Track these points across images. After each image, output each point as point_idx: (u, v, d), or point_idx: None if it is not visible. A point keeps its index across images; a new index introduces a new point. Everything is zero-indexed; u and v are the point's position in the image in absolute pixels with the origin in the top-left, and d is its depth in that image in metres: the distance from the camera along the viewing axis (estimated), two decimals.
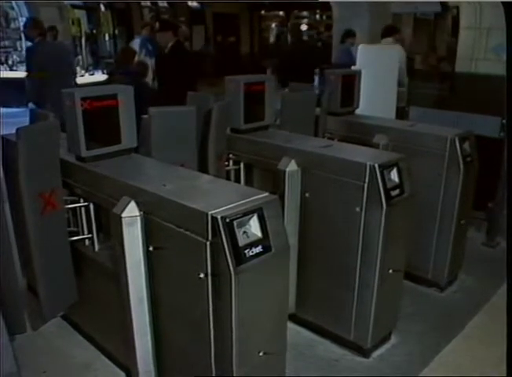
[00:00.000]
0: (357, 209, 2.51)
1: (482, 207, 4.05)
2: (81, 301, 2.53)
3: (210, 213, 1.79)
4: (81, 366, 2.67)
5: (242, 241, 1.82)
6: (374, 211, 2.47)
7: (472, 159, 3.18)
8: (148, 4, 15.26)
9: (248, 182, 3.10)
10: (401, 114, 4.65)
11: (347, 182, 2.53)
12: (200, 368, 2.06)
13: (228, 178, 2.97)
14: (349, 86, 3.61)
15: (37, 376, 2.59)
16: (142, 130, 2.57)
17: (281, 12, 18.27)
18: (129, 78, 4.58)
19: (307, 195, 2.72)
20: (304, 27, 17.73)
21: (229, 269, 1.77)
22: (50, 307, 2.33)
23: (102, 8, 13.30)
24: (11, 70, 10.43)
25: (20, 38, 10.05)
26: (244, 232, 1.84)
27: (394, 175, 2.53)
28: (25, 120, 2.77)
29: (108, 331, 2.63)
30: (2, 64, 10.61)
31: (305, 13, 18.02)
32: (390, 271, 2.60)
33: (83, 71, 11.28)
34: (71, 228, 2.64)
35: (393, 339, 2.92)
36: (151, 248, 2.09)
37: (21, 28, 9.57)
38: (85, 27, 12.60)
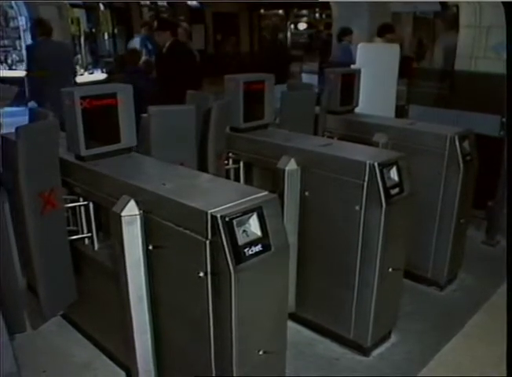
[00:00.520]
0: (357, 207, 2.51)
1: (482, 206, 4.05)
2: (81, 300, 2.53)
3: (209, 212, 1.79)
4: (81, 365, 2.68)
5: (241, 240, 1.82)
6: (373, 210, 2.47)
7: (472, 157, 3.18)
8: (148, 3, 15.25)
9: (248, 181, 3.10)
10: (401, 112, 4.65)
11: (347, 181, 2.53)
12: (200, 367, 2.05)
13: (227, 177, 2.97)
14: (349, 84, 3.61)
15: (37, 375, 2.59)
16: (142, 129, 2.57)
17: (280, 11, 18.26)
18: (137, 76, 4.83)
19: (306, 193, 2.72)
20: (303, 26, 17.73)
21: (229, 268, 1.77)
22: (50, 306, 2.33)
23: (101, 7, 13.29)
24: (10, 69, 10.42)
25: (20, 38, 10.04)
26: (244, 230, 1.84)
27: (394, 174, 2.53)
28: (24, 119, 2.77)
29: (108, 330, 2.63)
30: (2, 63, 10.61)
31: (304, 12, 18.02)
32: (390, 270, 2.60)
33: (82, 70, 11.27)
34: (71, 228, 2.64)
35: (393, 338, 2.92)
36: (150, 247, 2.09)
37: (21, 27, 9.56)
38: (84, 26, 12.59)
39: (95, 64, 12.29)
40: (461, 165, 3.09)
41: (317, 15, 17.95)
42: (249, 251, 1.83)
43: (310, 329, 2.94)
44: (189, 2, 16.20)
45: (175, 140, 2.52)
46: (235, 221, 1.80)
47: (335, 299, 2.75)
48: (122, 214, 2.05)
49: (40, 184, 2.16)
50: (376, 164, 2.43)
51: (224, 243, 1.78)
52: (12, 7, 10.17)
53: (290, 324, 2.61)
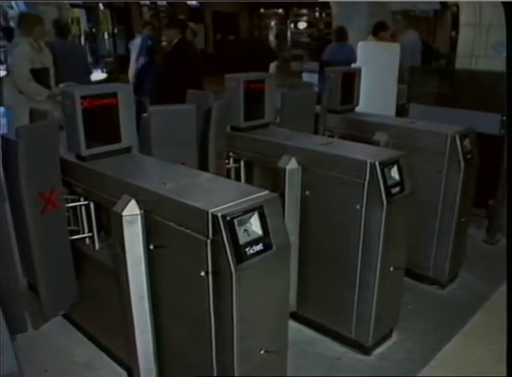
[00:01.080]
0: (358, 206, 2.50)
1: (483, 205, 4.05)
2: (82, 300, 2.53)
3: (210, 211, 1.79)
4: (82, 365, 2.68)
5: (242, 239, 1.82)
6: (374, 209, 2.46)
7: (472, 156, 3.18)
8: (147, 3, 15.25)
9: (248, 180, 3.10)
10: (401, 111, 4.65)
11: (347, 180, 2.53)
12: (201, 366, 2.05)
13: (228, 176, 2.97)
14: (349, 83, 3.61)
15: (38, 375, 2.59)
16: (142, 129, 2.57)
17: (280, 10, 18.26)
18: None
19: (307, 193, 2.72)
20: (303, 25, 17.72)
21: (230, 267, 1.77)
22: (51, 306, 2.33)
23: (101, 7, 13.29)
24: None
25: None
26: (245, 230, 1.84)
27: (395, 173, 2.53)
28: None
29: (109, 330, 2.63)
30: (2, 63, 10.59)
31: (304, 11, 18.02)
32: (391, 268, 2.60)
33: None
34: (72, 227, 2.64)
35: (394, 337, 2.92)
36: (151, 247, 2.09)
37: None
38: (84, 26, 12.59)
39: (95, 64, 12.29)
40: (462, 163, 3.09)
41: (317, 14, 17.95)
42: (250, 250, 1.83)
43: (311, 328, 2.94)
44: (189, 2, 16.21)
45: (176, 140, 2.52)
46: (236, 221, 1.80)
47: (336, 298, 2.75)
48: (123, 213, 2.05)
49: (40, 184, 2.16)
50: (377, 163, 2.43)
51: (226, 242, 1.77)
52: (12, 7, 10.16)
53: (292, 323, 2.61)
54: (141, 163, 2.48)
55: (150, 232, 2.09)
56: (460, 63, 5.48)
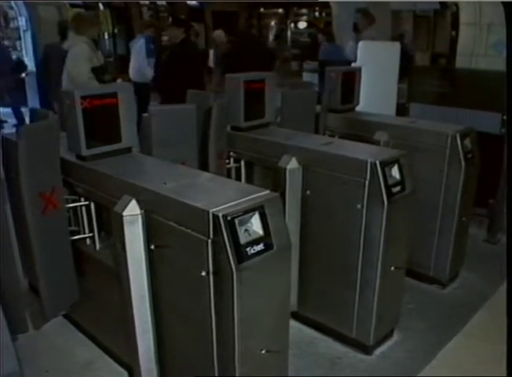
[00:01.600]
0: (358, 206, 2.50)
1: (483, 204, 4.05)
2: (83, 300, 2.53)
3: (211, 211, 1.79)
4: (83, 364, 2.68)
5: (243, 239, 1.82)
6: (375, 208, 2.46)
7: (473, 155, 3.17)
8: (147, 3, 15.24)
9: (249, 180, 3.10)
10: (401, 111, 4.65)
11: (348, 179, 2.53)
12: (202, 366, 2.05)
13: (228, 176, 2.97)
14: (350, 83, 3.61)
15: (39, 375, 2.59)
16: (142, 129, 2.57)
17: (280, 10, 18.25)
18: None
19: (308, 192, 2.71)
20: (303, 25, 17.70)
21: (231, 267, 1.77)
22: (52, 306, 2.33)
23: (101, 7, 13.28)
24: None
25: (20, 38, 10.02)
26: (246, 229, 1.84)
27: (395, 172, 2.53)
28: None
29: (110, 330, 2.63)
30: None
31: (304, 11, 18.00)
32: (392, 268, 2.59)
33: None
34: (72, 228, 2.64)
35: (395, 336, 2.92)
36: (152, 246, 2.09)
37: (21, 28, 9.55)
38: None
39: None
40: (462, 163, 3.08)
41: (317, 14, 17.93)
42: (251, 250, 1.83)
43: (312, 328, 2.94)
44: (189, 2, 16.19)
45: (176, 140, 2.52)
46: (236, 220, 1.80)
47: (337, 298, 2.75)
48: (124, 213, 2.05)
49: (41, 184, 2.16)
50: (377, 162, 2.43)
51: (226, 242, 1.77)
52: (12, 7, 10.16)
53: (292, 323, 2.60)
54: (142, 163, 2.47)
55: (151, 232, 2.09)
56: (460, 62, 5.47)
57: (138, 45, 6.55)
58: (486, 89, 4.19)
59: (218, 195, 1.98)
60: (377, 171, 2.43)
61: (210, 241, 1.81)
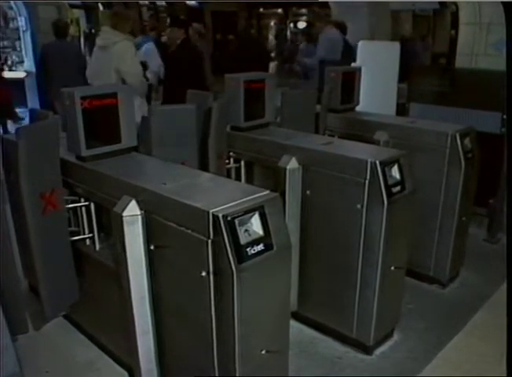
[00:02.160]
0: (358, 206, 2.50)
1: (483, 203, 4.04)
2: (83, 300, 2.53)
3: (211, 211, 1.79)
4: (83, 365, 2.67)
5: (243, 239, 1.82)
6: (375, 208, 2.46)
7: (473, 155, 3.17)
8: (147, 3, 15.23)
9: (249, 180, 3.10)
10: (401, 110, 4.65)
11: (348, 179, 2.52)
12: (203, 367, 2.05)
13: (228, 176, 2.97)
14: (350, 82, 3.61)
15: (39, 376, 2.59)
16: (142, 129, 2.57)
17: (280, 10, 18.24)
18: None
19: (308, 192, 2.71)
20: (303, 25, 17.70)
21: (231, 268, 1.77)
22: (52, 307, 2.32)
23: (101, 7, 13.27)
24: (10, 70, 10.39)
25: (19, 38, 10.02)
26: (246, 230, 1.83)
27: (395, 172, 2.53)
28: None
29: (110, 330, 2.63)
30: (2, 64, 10.57)
31: (303, 11, 18.00)
32: (392, 268, 2.59)
33: None
34: (72, 228, 2.63)
35: (396, 336, 2.92)
36: (152, 247, 2.09)
37: (20, 28, 9.55)
38: (83, 26, 12.56)
39: None
40: (462, 162, 3.08)
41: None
42: (251, 251, 1.83)
43: (312, 328, 2.94)
44: (188, 2, 16.19)
45: (176, 140, 2.52)
46: (236, 221, 1.80)
47: (337, 298, 2.75)
48: (124, 214, 2.05)
49: (41, 184, 2.16)
50: (377, 162, 2.43)
51: (226, 242, 1.77)
52: (11, 8, 10.16)
53: (293, 323, 2.60)
54: (141, 163, 2.47)
55: (150, 232, 2.09)
56: (460, 61, 5.47)
57: (145, 47, 6.53)
58: (486, 89, 4.19)
59: (218, 195, 1.98)
60: (377, 171, 2.43)
61: (210, 241, 1.81)
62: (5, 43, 10.73)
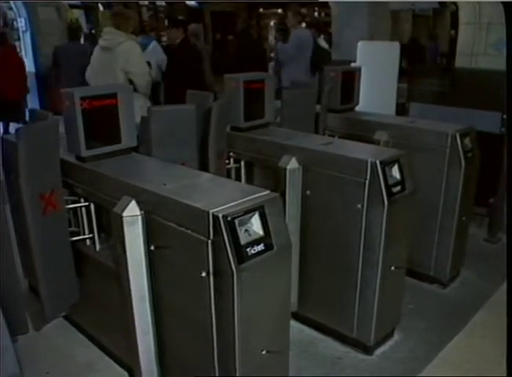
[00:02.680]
0: (359, 206, 2.50)
1: (483, 203, 4.04)
2: (83, 301, 2.52)
3: (211, 211, 1.79)
4: (84, 366, 2.67)
5: (243, 239, 1.81)
6: (375, 208, 2.46)
7: (473, 154, 3.17)
8: (146, 3, 15.24)
9: (249, 180, 3.10)
10: (401, 110, 4.65)
11: (348, 179, 2.52)
12: (203, 367, 2.05)
13: (228, 176, 2.96)
14: (349, 82, 3.61)
15: (40, 376, 2.58)
16: (142, 129, 2.56)
17: (279, 10, 18.25)
18: None
19: (308, 192, 2.71)
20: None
21: (231, 268, 1.77)
22: (52, 307, 2.32)
23: (100, 7, 13.28)
24: None
25: (19, 39, 10.02)
26: (246, 230, 1.83)
27: (395, 172, 2.53)
28: None
29: (110, 331, 2.63)
30: None
31: (303, 11, 17.99)
32: (392, 268, 2.59)
33: None
34: (72, 229, 2.63)
35: (396, 336, 2.91)
36: (152, 247, 2.09)
37: (20, 29, 9.55)
38: (83, 27, 12.55)
39: None
40: (462, 162, 3.08)
41: (316, 14, 17.93)
42: (251, 251, 1.83)
43: (313, 328, 2.94)
44: (188, 2, 16.20)
45: (176, 140, 2.52)
46: (236, 221, 1.80)
47: (337, 298, 2.75)
48: (124, 214, 2.05)
49: (41, 185, 2.16)
50: (378, 162, 2.43)
51: (226, 242, 1.77)
52: (11, 8, 10.16)
53: (293, 323, 2.60)
54: (141, 164, 2.47)
55: (150, 232, 2.08)
56: (460, 61, 5.46)
57: (152, 45, 6.54)
58: (486, 89, 4.19)
59: (218, 195, 1.98)
60: (377, 171, 2.42)
61: (210, 242, 1.81)
62: None
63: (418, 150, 3.09)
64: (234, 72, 3.05)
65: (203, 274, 1.85)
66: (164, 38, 7.33)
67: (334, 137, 3.35)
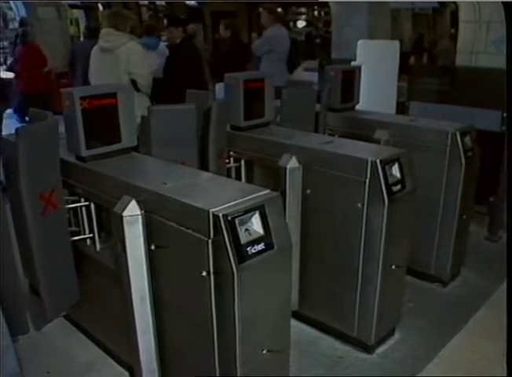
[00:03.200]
0: (359, 205, 2.50)
1: (484, 202, 4.04)
2: (83, 300, 2.52)
3: (211, 211, 1.78)
4: (84, 366, 2.67)
5: (244, 239, 1.81)
6: (375, 207, 2.46)
7: (473, 153, 3.17)
8: (146, 3, 15.23)
9: (249, 179, 3.10)
10: (401, 109, 4.64)
11: (348, 178, 2.52)
12: (204, 367, 2.05)
13: (228, 176, 2.96)
14: (349, 81, 3.60)
15: (40, 376, 2.58)
16: (142, 129, 2.56)
17: (279, 9, 18.22)
18: None
19: (308, 191, 2.71)
20: (302, 24, 17.69)
21: (232, 267, 1.77)
22: (53, 307, 2.32)
23: (100, 7, 13.27)
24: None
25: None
26: (246, 229, 1.83)
27: (396, 170, 2.53)
28: None
29: (111, 331, 2.63)
30: (1, 64, 10.58)
31: (303, 10, 17.99)
32: (393, 267, 2.59)
33: None
34: (73, 228, 2.63)
35: (397, 335, 2.91)
36: (152, 247, 2.09)
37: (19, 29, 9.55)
38: (83, 26, 12.55)
39: None
40: (462, 161, 3.08)
41: (316, 13, 17.93)
42: (251, 250, 1.83)
43: (313, 327, 2.94)
44: (188, 2, 16.18)
45: (176, 140, 2.52)
46: (237, 220, 1.80)
47: (338, 297, 2.75)
48: (124, 214, 2.04)
49: (41, 185, 2.16)
50: (378, 161, 2.42)
51: (227, 242, 1.77)
52: (11, 8, 10.16)
53: (293, 322, 2.60)
54: (141, 163, 2.47)
55: (151, 232, 2.08)
56: (460, 60, 5.46)
57: (161, 45, 6.54)
58: (486, 87, 4.18)
59: (218, 194, 1.98)
60: (377, 170, 2.42)
61: (210, 241, 1.80)
62: (5, 44, 10.73)
63: (418, 149, 3.08)
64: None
65: (204, 273, 1.85)
66: (164, 38, 7.32)
67: (334, 136, 3.35)
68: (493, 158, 3.61)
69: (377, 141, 3.15)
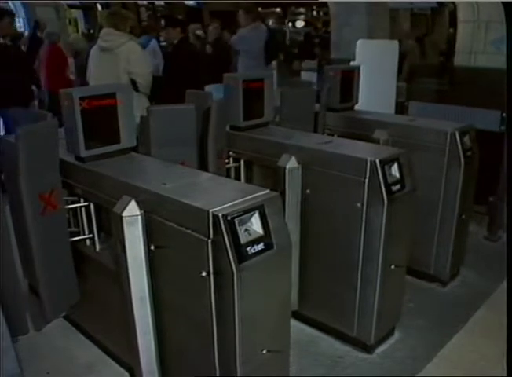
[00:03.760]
0: (358, 205, 2.50)
1: (483, 201, 4.04)
2: (83, 301, 2.52)
3: (211, 211, 1.78)
4: (84, 366, 2.67)
5: (243, 239, 1.81)
6: (375, 207, 2.46)
7: (472, 153, 3.17)
8: (145, 3, 15.24)
9: (248, 179, 3.10)
10: (400, 109, 4.65)
11: (348, 178, 2.52)
12: (204, 367, 2.05)
13: (228, 176, 2.96)
14: (349, 81, 3.60)
15: None
16: (141, 129, 2.56)
17: (278, 9, 18.25)
18: None
19: (308, 191, 2.71)
20: (301, 24, 17.70)
21: (231, 267, 1.77)
22: (52, 308, 2.32)
23: (99, 7, 13.27)
24: None
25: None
26: (246, 229, 1.83)
27: (395, 170, 2.53)
28: None
29: (111, 331, 2.62)
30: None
31: (302, 10, 18.01)
32: (392, 266, 2.59)
33: None
34: (72, 229, 2.63)
35: (397, 335, 2.92)
36: (152, 247, 2.09)
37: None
38: (82, 26, 12.56)
39: None
40: (462, 160, 3.08)
41: (315, 13, 17.94)
42: (251, 250, 1.83)
43: (313, 327, 2.94)
44: (187, 2, 16.19)
45: (175, 140, 2.51)
46: (236, 220, 1.80)
47: (338, 297, 2.75)
48: (123, 214, 2.04)
49: (40, 185, 2.16)
50: (377, 161, 2.43)
51: (227, 242, 1.77)
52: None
53: (293, 322, 2.60)
54: (141, 164, 2.47)
55: (150, 232, 2.08)
56: (459, 59, 5.47)
57: (152, 43, 6.55)
58: (485, 87, 4.18)
59: (218, 194, 1.98)
60: (377, 170, 2.42)
61: (210, 241, 1.80)
62: None
63: (417, 148, 3.08)
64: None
65: (203, 274, 1.85)
66: (162, 39, 7.33)
67: (333, 135, 3.35)
68: (492, 158, 3.61)
69: (376, 141, 3.16)
